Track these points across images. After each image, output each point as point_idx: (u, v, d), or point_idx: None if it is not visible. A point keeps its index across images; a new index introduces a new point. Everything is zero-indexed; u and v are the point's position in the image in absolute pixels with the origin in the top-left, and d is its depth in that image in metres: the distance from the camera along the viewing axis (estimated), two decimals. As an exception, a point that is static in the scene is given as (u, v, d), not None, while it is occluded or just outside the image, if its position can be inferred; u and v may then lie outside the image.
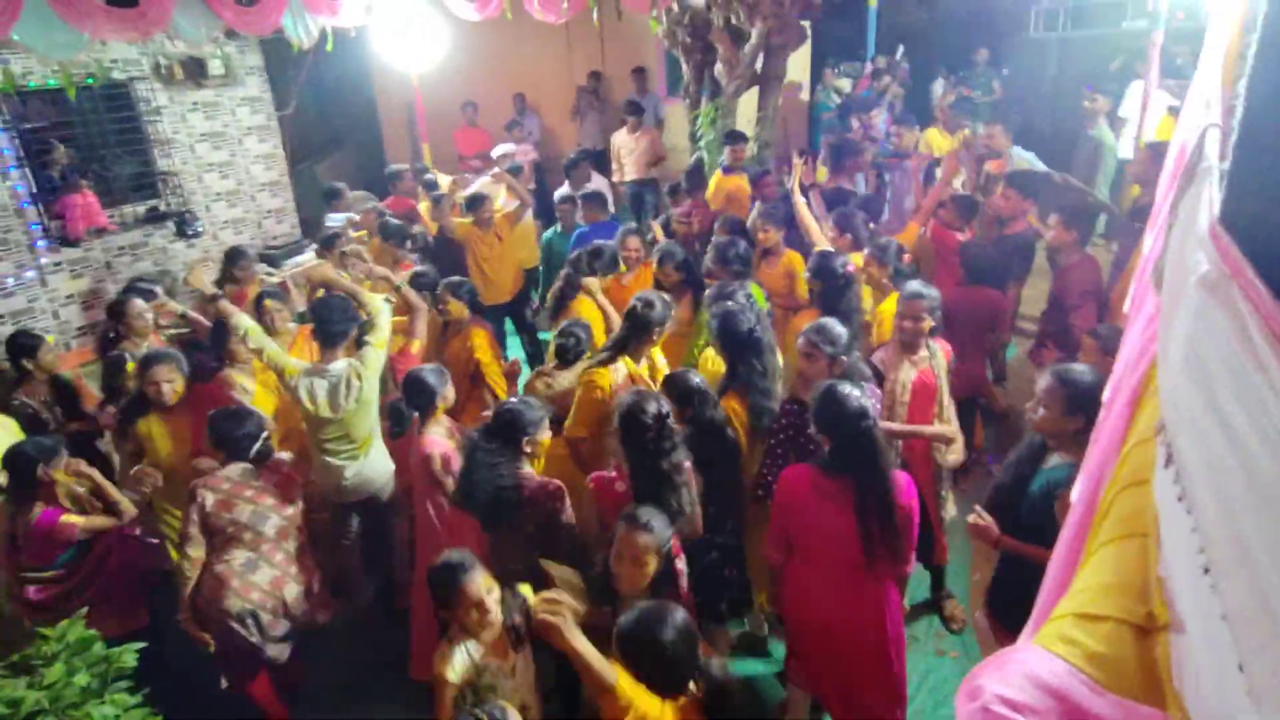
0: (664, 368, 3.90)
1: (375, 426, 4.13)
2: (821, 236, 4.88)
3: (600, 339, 4.31)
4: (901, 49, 10.24)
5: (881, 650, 2.91)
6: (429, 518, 3.63)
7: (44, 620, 2.78)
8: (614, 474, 3.02)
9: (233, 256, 6.00)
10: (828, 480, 2.79)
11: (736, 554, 3.43)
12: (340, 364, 3.96)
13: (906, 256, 4.66)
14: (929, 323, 3.67)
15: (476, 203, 6.28)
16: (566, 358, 4.09)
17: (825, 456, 2.86)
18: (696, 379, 3.34)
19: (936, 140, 7.36)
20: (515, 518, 3.05)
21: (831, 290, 4.10)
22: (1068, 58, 11.35)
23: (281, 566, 3.48)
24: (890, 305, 4.15)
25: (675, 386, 3.31)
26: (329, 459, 4.03)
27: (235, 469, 3.45)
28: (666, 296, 4.00)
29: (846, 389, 2.82)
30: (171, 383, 3.95)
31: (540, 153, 10.19)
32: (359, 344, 4.08)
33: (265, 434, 3.60)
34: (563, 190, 7.27)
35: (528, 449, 3.14)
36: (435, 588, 2.60)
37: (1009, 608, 2.93)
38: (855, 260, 4.47)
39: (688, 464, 2.99)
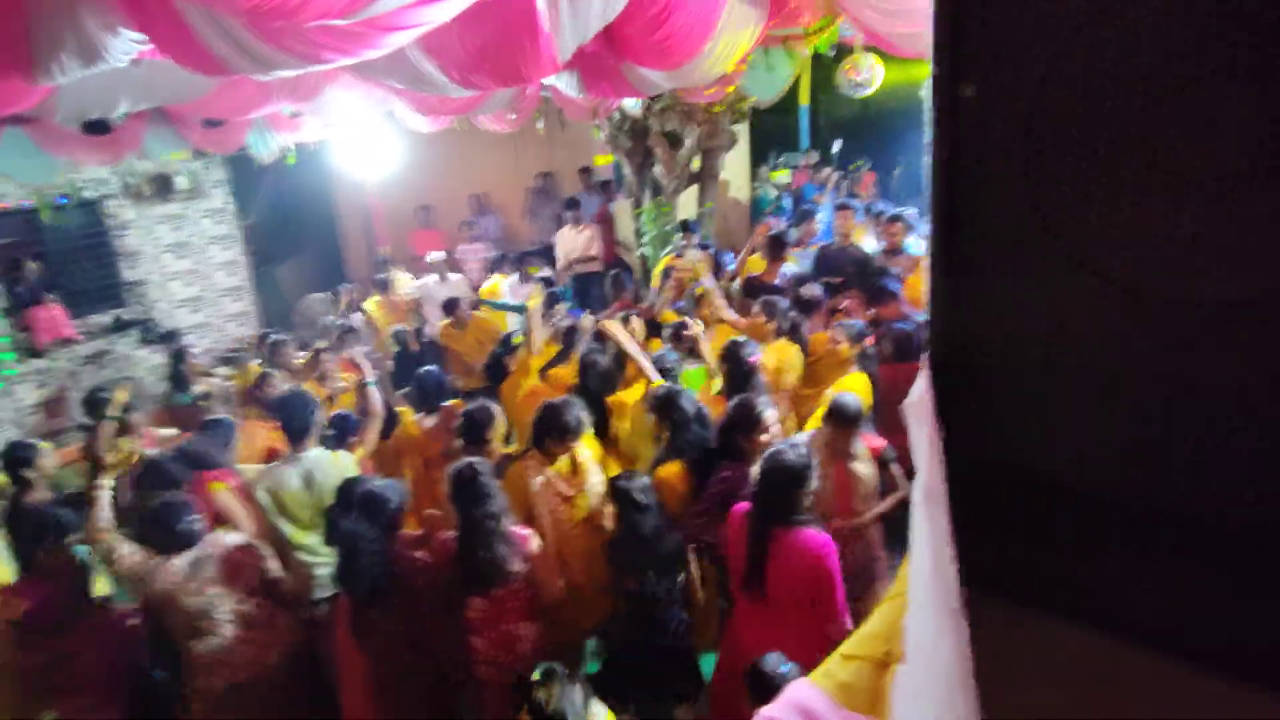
0: (585, 461, 3.85)
1: None
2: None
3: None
4: (839, 143, 10.60)
5: None
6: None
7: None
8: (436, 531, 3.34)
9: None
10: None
11: (684, 639, 3.42)
12: (315, 451, 3.93)
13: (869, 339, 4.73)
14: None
15: (451, 306, 6.69)
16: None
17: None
18: (640, 482, 3.43)
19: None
20: (392, 594, 3.18)
21: (736, 376, 4.25)
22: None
23: (258, 640, 3.25)
24: (856, 381, 4.26)
25: (615, 491, 3.46)
26: (302, 555, 3.80)
27: (183, 562, 3.17)
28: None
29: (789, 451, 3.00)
30: None
31: (499, 250, 10.65)
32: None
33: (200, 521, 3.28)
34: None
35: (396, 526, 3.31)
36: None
37: None
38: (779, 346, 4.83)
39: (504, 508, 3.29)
